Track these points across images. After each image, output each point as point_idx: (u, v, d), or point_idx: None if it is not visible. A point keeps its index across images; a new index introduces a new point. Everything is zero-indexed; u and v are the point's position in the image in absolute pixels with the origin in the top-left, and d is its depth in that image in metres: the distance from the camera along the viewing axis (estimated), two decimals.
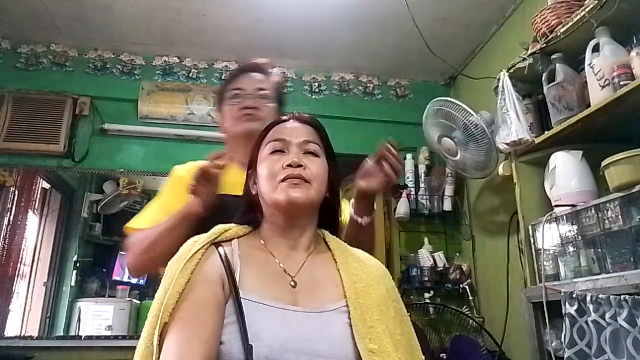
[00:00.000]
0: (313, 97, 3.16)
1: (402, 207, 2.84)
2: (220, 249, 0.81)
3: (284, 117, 0.94)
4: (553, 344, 1.62)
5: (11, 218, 2.70)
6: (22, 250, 2.73)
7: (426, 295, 2.74)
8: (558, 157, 1.78)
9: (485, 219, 2.79)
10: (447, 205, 2.90)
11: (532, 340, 1.73)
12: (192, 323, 0.70)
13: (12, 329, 2.61)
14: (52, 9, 2.59)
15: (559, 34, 1.77)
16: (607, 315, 1.35)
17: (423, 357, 0.82)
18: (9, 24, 2.70)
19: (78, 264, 2.78)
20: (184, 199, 1.14)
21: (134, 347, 0.74)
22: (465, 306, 2.75)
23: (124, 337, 2.55)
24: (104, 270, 2.87)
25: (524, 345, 1.90)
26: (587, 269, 1.57)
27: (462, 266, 2.80)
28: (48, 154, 2.70)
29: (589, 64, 1.62)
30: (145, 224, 1.20)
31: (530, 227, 1.86)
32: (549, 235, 1.75)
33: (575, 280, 1.58)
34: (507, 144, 1.94)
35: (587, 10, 1.63)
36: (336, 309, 0.78)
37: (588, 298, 1.43)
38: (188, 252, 0.78)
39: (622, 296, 1.31)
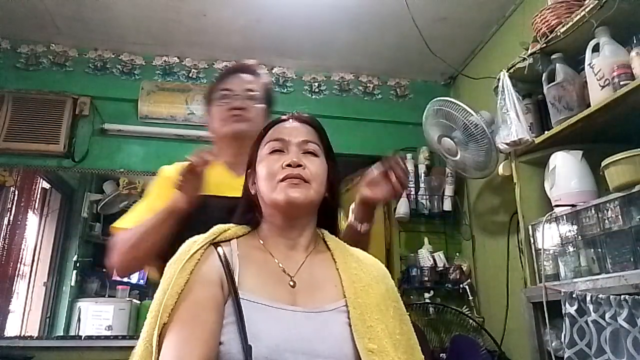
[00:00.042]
0: (313, 97, 3.16)
1: (402, 207, 2.84)
2: (219, 249, 0.81)
3: (284, 117, 0.94)
4: (553, 344, 1.62)
5: (11, 218, 2.70)
6: (22, 250, 2.73)
7: (426, 295, 2.74)
8: (558, 157, 1.78)
9: (485, 219, 2.79)
10: (447, 205, 2.90)
11: (532, 340, 1.73)
12: (191, 323, 0.70)
13: (12, 329, 2.61)
14: (52, 9, 2.59)
15: (559, 34, 1.77)
16: (607, 315, 1.35)
17: (423, 356, 0.82)
18: (9, 24, 2.70)
19: (78, 264, 2.78)
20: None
21: (134, 347, 0.74)
22: (465, 306, 2.75)
23: (124, 337, 2.55)
24: (104, 270, 2.87)
25: (524, 345, 1.90)
26: (587, 269, 1.57)
27: (462, 266, 2.80)
28: (48, 154, 2.70)
29: (589, 64, 1.62)
30: (131, 224, 1.19)
31: (530, 227, 1.86)
32: (549, 235, 1.75)
33: (575, 280, 1.58)
34: (507, 144, 1.94)
35: (587, 10, 1.63)
36: (335, 309, 0.78)
37: (588, 298, 1.43)
38: (187, 253, 0.78)
39: (622, 296, 1.31)
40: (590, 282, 1.50)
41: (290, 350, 0.70)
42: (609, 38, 1.60)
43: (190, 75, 3.03)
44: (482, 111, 2.29)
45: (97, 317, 2.67)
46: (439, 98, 2.36)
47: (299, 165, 0.84)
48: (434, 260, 2.80)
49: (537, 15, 1.87)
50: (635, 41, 1.53)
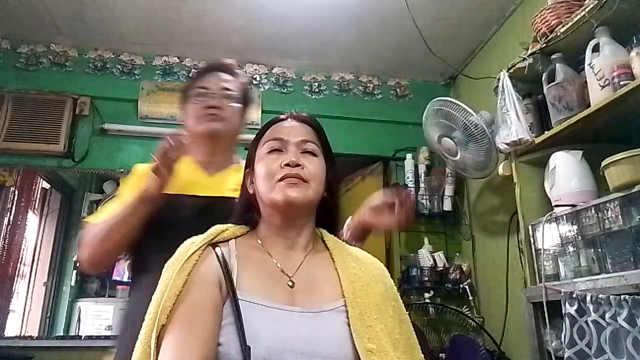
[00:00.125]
0: (313, 97, 3.16)
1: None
2: (217, 249, 0.80)
3: (282, 116, 0.93)
4: (553, 344, 1.62)
5: (11, 218, 2.71)
6: (22, 250, 2.74)
7: (426, 295, 2.74)
8: (558, 157, 1.78)
9: (485, 219, 2.79)
10: (447, 205, 2.89)
11: (532, 340, 1.73)
12: (190, 325, 0.70)
13: (12, 329, 2.61)
14: (52, 9, 2.59)
15: (559, 34, 1.77)
16: (607, 315, 1.35)
17: (422, 356, 0.82)
18: (9, 24, 2.70)
19: (78, 264, 2.78)
20: None
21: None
22: (465, 306, 2.75)
23: None
24: (104, 270, 2.87)
25: (524, 345, 1.90)
26: (587, 269, 1.57)
27: (462, 266, 2.80)
28: (48, 154, 2.70)
29: (589, 64, 1.61)
30: (103, 218, 1.17)
31: (530, 227, 1.86)
32: (549, 235, 1.75)
33: (575, 280, 1.58)
34: (507, 144, 1.94)
35: (587, 10, 1.63)
36: (334, 309, 0.78)
37: (588, 298, 1.43)
38: (185, 254, 0.77)
39: (622, 296, 1.31)
40: (590, 282, 1.50)
41: (289, 350, 0.70)
42: (609, 38, 1.60)
43: (190, 75, 3.02)
44: (482, 111, 2.29)
45: (97, 317, 2.67)
46: (439, 98, 2.36)
47: (298, 165, 0.83)
48: (434, 260, 2.80)
49: (537, 15, 1.87)
50: (635, 41, 1.53)
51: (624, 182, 1.42)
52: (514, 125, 1.90)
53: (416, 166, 2.99)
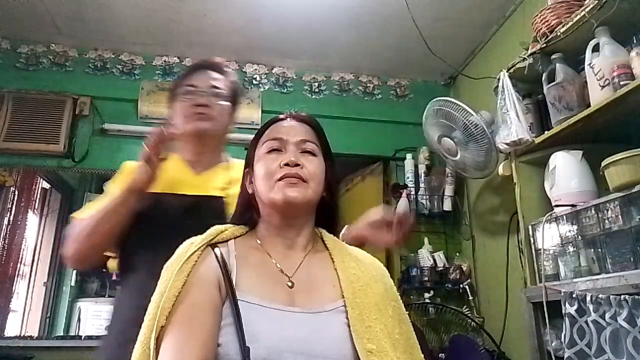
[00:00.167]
0: (313, 97, 3.16)
1: (402, 207, 2.84)
2: (216, 250, 0.80)
3: (281, 116, 0.93)
4: (553, 344, 1.62)
5: (11, 218, 2.71)
6: (22, 250, 2.74)
7: (426, 295, 2.73)
8: (558, 157, 1.78)
9: (485, 219, 2.79)
10: (447, 205, 2.89)
11: (532, 340, 1.72)
12: (189, 326, 0.70)
13: (12, 329, 2.61)
14: (52, 9, 2.59)
15: (559, 34, 1.77)
16: (607, 315, 1.35)
17: (422, 356, 0.82)
18: (9, 24, 2.70)
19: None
20: None
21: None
22: (465, 306, 2.75)
23: None
24: (104, 270, 2.87)
25: (524, 345, 1.90)
26: (587, 269, 1.56)
27: (462, 266, 2.80)
28: (48, 154, 2.70)
29: (589, 64, 1.61)
30: (90, 214, 1.16)
31: (530, 227, 1.86)
32: (549, 235, 1.75)
33: (575, 280, 1.58)
34: (507, 144, 1.94)
35: (587, 10, 1.62)
36: (334, 309, 0.78)
37: (588, 298, 1.43)
38: (184, 255, 0.77)
39: (622, 296, 1.31)
40: (590, 282, 1.50)
41: (289, 351, 0.70)
42: (609, 38, 1.60)
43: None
44: (482, 111, 2.29)
45: (97, 317, 2.67)
46: (439, 98, 2.36)
47: (297, 165, 0.83)
48: (434, 260, 2.80)
49: (537, 15, 1.87)
50: (635, 41, 1.52)
51: (624, 182, 1.42)
52: (514, 125, 1.90)
53: (416, 166, 2.99)
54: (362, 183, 3.36)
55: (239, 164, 1.32)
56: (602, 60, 1.57)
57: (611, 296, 1.35)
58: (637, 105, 1.51)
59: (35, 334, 2.60)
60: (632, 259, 1.38)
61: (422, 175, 2.95)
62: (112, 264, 1.20)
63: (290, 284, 0.80)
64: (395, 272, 2.80)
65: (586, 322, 1.42)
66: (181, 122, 1.25)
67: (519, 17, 2.46)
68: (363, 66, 3.19)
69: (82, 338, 2.52)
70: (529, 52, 1.92)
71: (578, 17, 1.67)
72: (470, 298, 2.73)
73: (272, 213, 0.85)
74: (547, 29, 1.81)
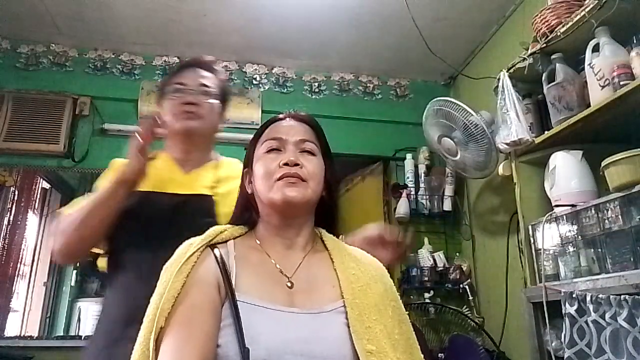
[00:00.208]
0: (313, 97, 3.16)
1: (402, 207, 2.84)
2: (215, 250, 0.80)
3: (280, 116, 0.93)
4: (553, 344, 1.62)
5: (11, 218, 2.71)
6: (22, 250, 2.74)
7: (426, 295, 2.73)
8: (558, 157, 1.78)
9: (485, 219, 2.79)
10: (447, 205, 2.89)
11: (532, 340, 1.72)
12: (188, 327, 0.70)
13: (12, 329, 2.61)
14: (52, 9, 2.59)
15: (559, 34, 1.77)
16: (607, 315, 1.35)
17: (422, 356, 0.82)
18: (9, 24, 2.70)
19: (78, 264, 2.78)
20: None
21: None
22: (465, 306, 2.75)
23: None
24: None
25: (524, 345, 1.90)
26: (587, 269, 1.56)
27: (462, 266, 2.80)
28: (48, 154, 2.70)
29: (589, 64, 1.61)
30: (78, 208, 1.14)
31: (530, 227, 1.86)
32: (549, 235, 1.75)
33: (575, 280, 1.58)
34: (507, 144, 1.94)
35: (587, 10, 1.62)
36: (333, 310, 0.77)
37: (588, 298, 1.43)
38: (183, 256, 0.77)
39: (622, 296, 1.31)
40: (590, 282, 1.50)
41: (289, 352, 0.70)
42: (609, 38, 1.60)
43: None
44: (482, 111, 2.29)
45: (97, 317, 2.66)
46: (439, 98, 2.36)
47: (296, 164, 0.83)
48: (434, 260, 2.80)
49: (537, 15, 1.87)
50: (635, 41, 1.52)
51: (624, 182, 1.42)
52: (514, 125, 1.90)
53: (416, 166, 2.99)
54: (362, 183, 3.36)
55: (227, 163, 1.31)
56: (602, 60, 1.57)
57: (611, 296, 1.35)
58: (637, 105, 1.51)
59: (35, 334, 2.60)
60: (632, 259, 1.38)
61: (422, 175, 2.95)
62: (102, 263, 1.18)
63: (289, 284, 0.80)
64: (395, 272, 2.80)
65: (586, 322, 1.42)
66: (170, 120, 1.24)
67: (519, 17, 2.46)
68: (363, 66, 3.19)
69: (82, 338, 2.52)
70: (529, 52, 1.92)
71: (578, 17, 1.67)
72: (470, 298, 2.73)
73: (271, 213, 0.85)
74: (547, 29, 1.81)
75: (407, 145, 3.07)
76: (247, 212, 0.90)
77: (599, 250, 1.52)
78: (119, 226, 1.12)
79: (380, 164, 3.17)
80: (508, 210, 2.40)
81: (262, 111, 2.99)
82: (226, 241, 0.84)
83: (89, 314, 2.68)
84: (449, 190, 2.91)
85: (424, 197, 2.91)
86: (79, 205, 1.14)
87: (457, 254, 2.91)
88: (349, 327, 0.75)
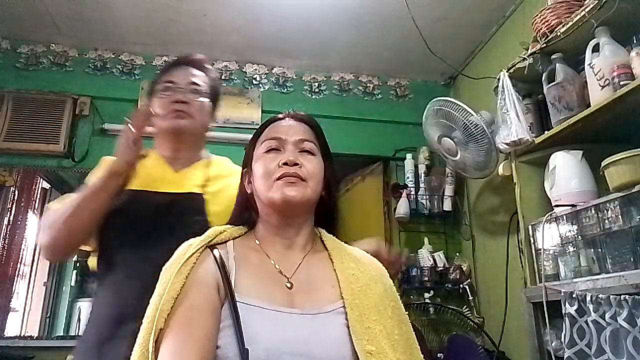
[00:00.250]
0: (313, 97, 3.16)
1: (402, 207, 2.84)
2: (215, 251, 0.80)
3: (280, 115, 0.93)
4: (553, 344, 1.62)
5: (11, 218, 2.71)
6: (22, 250, 2.73)
7: (426, 295, 2.73)
8: (558, 157, 1.78)
9: (485, 219, 2.79)
10: (447, 205, 2.89)
11: (532, 340, 1.72)
12: (188, 328, 0.70)
13: (12, 329, 2.61)
14: (52, 9, 2.59)
15: (559, 34, 1.76)
16: (607, 315, 1.35)
17: (422, 356, 0.82)
18: (9, 24, 2.70)
19: (78, 264, 2.78)
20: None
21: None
22: (465, 306, 2.75)
23: None
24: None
25: (524, 345, 1.90)
26: (587, 269, 1.56)
27: (462, 266, 2.80)
28: (48, 154, 2.70)
29: (589, 64, 1.61)
30: (67, 202, 1.13)
31: (530, 227, 1.86)
32: (549, 235, 1.75)
33: (575, 280, 1.58)
34: (507, 144, 1.94)
35: (587, 10, 1.62)
36: (333, 310, 0.77)
37: (588, 298, 1.43)
38: (182, 257, 0.77)
39: (622, 296, 1.31)
40: (590, 282, 1.50)
41: (288, 353, 0.70)
42: (609, 38, 1.60)
43: None
44: (482, 111, 2.29)
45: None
46: (439, 98, 2.35)
47: (296, 164, 0.83)
48: (434, 260, 2.79)
49: (537, 15, 1.87)
50: (635, 41, 1.52)
51: (624, 182, 1.42)
52: (514, 125, 1.90)
53: (416, 166, 2.99)
54: (362, 183, 3.36)
55: (217, 161, 1.31)
56: (602, 60, 1.57)
57: (611, 296, 1.35)
58: (637, 105, 1.51)
59: (35, 334, 2.60)
60: (632, 259, 1.38)
61: (422, 175, 2.95)
62: (92, 263, 1.17)
63: (289, 285, 0.80)
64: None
65: (586, 322, 1.42)
66: (159, 119, 1.23)
67: (519, 17, 2.46)
68: (363, 66, 3.19)
69: None
70: (529, 52, 1.92)
71: (578, 17, 1.67)
72: (470, 298, 2.73)
73: (270, 212, 0.85)
74: (547, 29, 1.81)
75: (407, 145, 3.07)
76: (246, 212, 0.90)
77: (599, 250, 1.52)
78: (109, 225, 1.12)
79: (380, 164, 3.17)
80: (508, 210, 2.40)
81: (262, 111, 2.99)
82: (225, 242, 0.84)
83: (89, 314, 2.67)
84: (449, 190, 2.90)
85: (424, 197, 2.91)
86: (69, 199, 1.13)
87: (457, 254, 2.91)
88: (348, 327, 0.75)
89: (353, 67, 3.20)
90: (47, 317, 2.69)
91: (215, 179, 1.23)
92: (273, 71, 3.14)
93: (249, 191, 0.89)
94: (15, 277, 2.68)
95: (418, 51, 2.81)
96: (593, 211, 1.55)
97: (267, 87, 3.11)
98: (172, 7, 2.56)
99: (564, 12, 1.77)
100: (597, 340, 1.37)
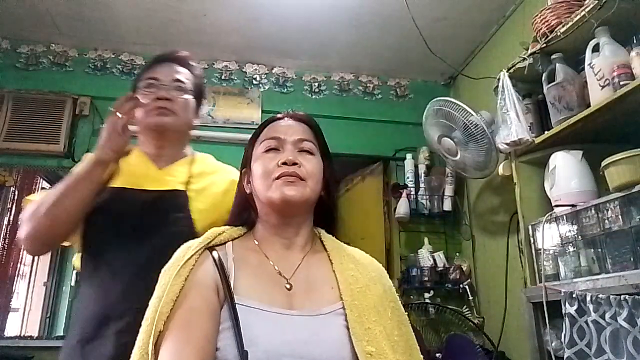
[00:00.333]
0: (313, 97, 3.16)
1: (402, 207, 2.84)
2: (214, 253, 0.80)
3: (279, 115, 0.93)
4: (553, 344, 1.62)
5: (11, 218, 2.71)
6: (22, 250, 2.74)
7: (426, 295, 2.73)
8: (558, 157, 1.78)
9: (485, 219, 2.79)
10: (447, 205, 2.89)
11: (532, 340, 1.72)
12: (187, 330, 0.69)
13: (12, 329, 2.61)
14: (52, 9, 2.59)
15: (559, 34, 1.76)
16: (607, 315, 1.35)
17: (422, 357, 0.82)
18: (9, 24, 2.70)
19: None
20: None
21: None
22: (465, 306, 2.75)
23: None
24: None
25: (524, 345, 1.90)
26: (587, 269, 1.56)
27: (462, 266, 2.80)
28: (48, 154, 2.70)
29: (589, 64, 1.61)
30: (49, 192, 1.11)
31: (530, 227, 1.86)
32: (549, 235, 1.75)
33: (575, 280, 1.58)
34: (507, 144, 1.94)
35: (587, 10, 1.62)
36: (332, 312, 0.77)
37: (588, 298, 1.43)
38: (182, 259, 0.77)
39: (622, 296, 1.31)
40: (590, 282, 1.50)
41: (288, 354, 0.70)
42: (609, 38, 1.59)
43: None
44: (482, 111, 2.29)
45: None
46: (439, 98, 2.35)
47: (295, 164, 0.83)
48: (434, 260, 2.79)
49: (537, 15, 1.87)
50: (635, 41, 1.52)
51: (624, 182, 1.42)
52: (514, 125, 1.90)
53: (416, 166, 2.99)
54: (362, 183, 3.36)
55: (201, 158, 1.30)
56: (602, 60, 1.57)
57: (611, 296, 1.35)
58: (637, 105, 1.51)
59: (35, 334, 2.60)
60: (632, 259, 1.38)
61: (422, 175, 2.95)
62: (76, 262, 1.16)
63: (288, 286, 0.80)
64: (395, 272, 2.80)
65: (586, 322, 1.42)
66: (142, 115, 1.21)
67: (519, 17, 2.46)
68: (363, 66, 3.18)
69: None
70: (529, 52, 1.92)
71: (578, 17, 1.67)
72: (470, 298, 2.73)
73: (270, 212, 0.85)
74: (547, 29, 1.81)
75: (407, 145, 3.07)
76: (245, 212, 0.90)
77: (599, 250, 1.52)
78: (92, 223, 1.11)
79: (380, 164, 3.17)
80: (508, 210, 2.40)
81: (262, 111, 2.99)
82: (224, 243, 0.84)
83: None
84: (449, 190, 2.90)
85: (424, 197, 2.91)
86: (52, 189, 1.11)
87: (457, 254, 2.91)
88: (348, 328, 0.75)
89: (353, 67, 3.20)
90: (47, 317, 2.69)
91: (199, 176, 1.23)
92: (273, 71, 3.14)
93: (248, 191, 0.89)
94: (15, 277, 2.68)
95: (418, 51, 2.80)
96: (593, 211, 1.55)
97: (267, 87, 3.11)
98: (172, 7, 2.56)
99: (564, 12, 1.77)
100: (597, 340, 1.37)
